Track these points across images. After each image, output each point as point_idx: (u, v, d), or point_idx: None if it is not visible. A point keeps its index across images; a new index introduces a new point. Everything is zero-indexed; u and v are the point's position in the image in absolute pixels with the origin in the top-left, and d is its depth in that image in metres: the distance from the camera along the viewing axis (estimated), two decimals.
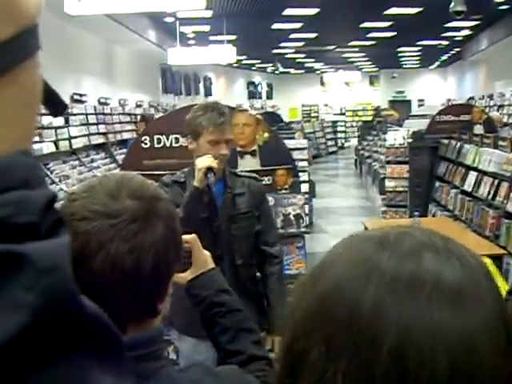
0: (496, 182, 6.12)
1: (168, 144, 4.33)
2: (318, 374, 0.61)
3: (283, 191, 4.59)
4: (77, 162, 11.05)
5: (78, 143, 11.20)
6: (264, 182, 3.96)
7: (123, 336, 1.03)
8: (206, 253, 1.53)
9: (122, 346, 0.42)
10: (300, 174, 5.96)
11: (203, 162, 2.60)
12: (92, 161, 11.77)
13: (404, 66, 30.76)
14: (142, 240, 1.03)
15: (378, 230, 0.68)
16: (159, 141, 4.35)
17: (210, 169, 2.59)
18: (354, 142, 24.76)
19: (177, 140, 4.30)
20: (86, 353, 0.38)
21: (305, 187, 7.61)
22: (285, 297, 2.86)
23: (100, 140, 12.57)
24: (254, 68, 29.27)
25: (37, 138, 9.13)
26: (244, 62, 24.44)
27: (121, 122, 14.23)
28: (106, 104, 13.77)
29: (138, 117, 15.42)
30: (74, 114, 11.35)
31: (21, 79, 0.37)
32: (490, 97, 19.55)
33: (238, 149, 4.40)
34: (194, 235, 1.51)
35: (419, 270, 0.60)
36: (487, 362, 0.59)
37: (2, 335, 0.33)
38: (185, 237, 1.44)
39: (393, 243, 0.63)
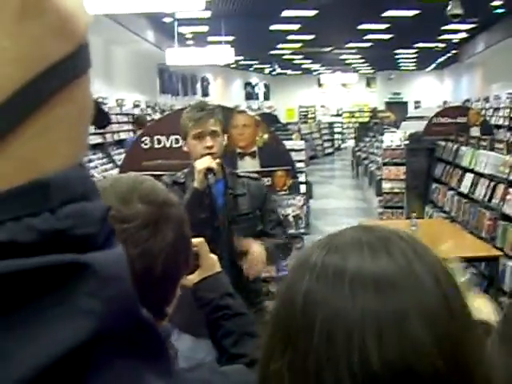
0: (492, 183, 6.15)
1: (168, 145, 4.35)
2: (267, 370, 0.67)
3: (282, 192, 4.61)
4: None
5: None
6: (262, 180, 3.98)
7: None
8: (214, 256, 1.54)
9: (169, 354, 0.44)
10: (297, 175, 5.98)
11: (202, 163, 2.63)
12: (89, 161, 11.76)
13: (401, 68, 30.82)
14: (153, 245, 1.04)
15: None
16: (159, 141, 4.37)
17: (209, 169, 2.62)
18: (350, 143, 24.78)
19: (177, 141, 4.31)
20: (143, 358, 0.40)
21: (302, 188, 7.62)
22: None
23: (97, 140, 12.56)
24: (251, 69, 29.29)
25: None
26: (241, 62, 24.46)
27: (118, 122, 14.22)
28: (104, 104, 13.76)
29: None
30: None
31: (75, 95, 0.39)
32: (486, 99, 19.61)
33: (238, 150, 4.42)
34: (201, 239, 1.51)
35: (343, 263, 0.66)
36: (418, 335, 0.62)
37: (72, 340, 0.34)
38: (193, 240, 1.48)
39: (328, 242, 0.71)
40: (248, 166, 4.37)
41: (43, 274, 0.35)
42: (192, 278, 1.49)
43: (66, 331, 0.35)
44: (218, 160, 2.70)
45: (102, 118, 0.47)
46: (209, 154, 2.68)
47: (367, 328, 0.62)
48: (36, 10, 0.37)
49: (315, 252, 0.69)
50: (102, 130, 12.82)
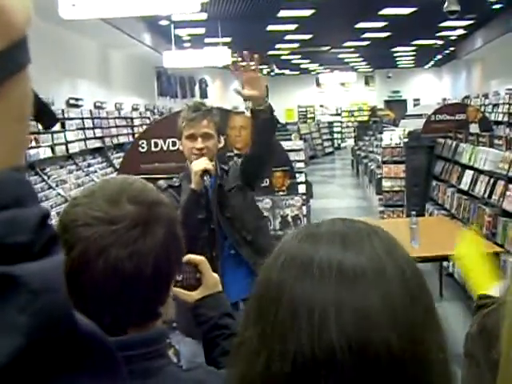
0: (492, 180, 6.14)
1: (165, 148, 4.34)
2: (242, 337, 0.74)
3: (281, 193, 4.60)
4: (74, 167, 11.04)
5: (74, 148, 11.20)
6: (262, 185, 3.97)
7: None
8: (215, 276, 1.56)
9: (118, 361, 0.42)
10: (297, 175, 5.97)
11: (199, 165, 2.63)
12: (89, 165, 11.77)
13: (399, 66, 30.80)
14: (142, 246, 1.04)
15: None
16: (156, 145, 4.36)
17: (206, 171, 2.62)
18: (350, 142, 24.78)
19: (174, 143, 4.31)
20: (82, 371, 0.38)
21: (302, 188, 7.62)
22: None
23: (96, 144, 12.57)
24: None
25: (33, 143, 9.12)
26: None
27: (117, 126, 14.22)
28: (102, 108, 13.76)
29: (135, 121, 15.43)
30: (71, 119, 11.34)
31: (11, 93, 0.37)
32: (485, 96, 19.59)
33: (235, 151, 4.41)
34: (203, 258, 1.54)
35: (312, 253, 0.71)
36: (375, 324, 0.67)
37: (0, 357, 0.33)
38: (195, 258, 1.50)
39: (305, 232, 0.77)
40: None
41: None
42: (194, 295, 1.51)
43: None
44: (211, 161, 2.70)
45: (48, 118, 0.44)
46: (199, 154, 2.69)
47: (328, 305, 0.67)
48: None
49: (292, 240, 0.76)
50: (100, 134, 12.83)
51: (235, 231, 2.78)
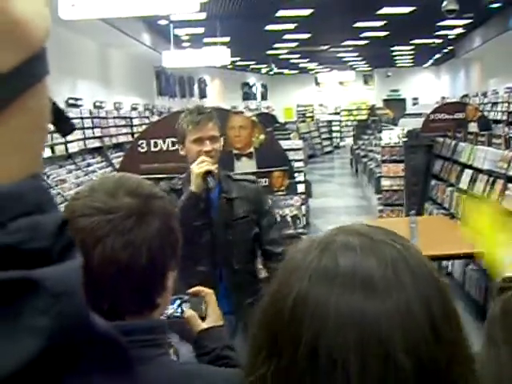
0: (491, 179, 6.14)
1: (165, 148, 4.35)
2: (253, 373, 0.67)
3: (280, 193, 4.61)
4: (73, 167, 11.04)
5: (73, 147, 11.19)
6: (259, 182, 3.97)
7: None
8: (218, 310, 1.60)
9: (131, 362, 0.43)
10: (296, 174, 5.98)
11: (200, 166, 2.61)
12: (88, 165, 11.77)
13: (398, 65, 30.81)
14: (136, 235, 1.09)
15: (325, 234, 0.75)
16: (156, 145, 4.36)
17: (208, 172, 2.60)
18: (349, 141, 24.77)
19: (173, 144, 4.31)
20: (97, 371, 0.39)
21: (301, 187, 7.64)
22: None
23: (96, 144, 12.56)
24: (248, 69, 29.29)
25: None
26: (238, 63, 24.46)
27: (116, 126, 14.21)
28: (101, 108, 13.76)
29: (134, 120, 15.44)
30: (70, 118, 11.31)
31: (30, 105, 0.38)
32: (484, 94, 19.59)
33: (235, 151, 4.42)
34: (210, 291, 1.59)
35: (333, 265, 0.66)
36: (398, 348, 0.61)
37: (21, 359, 0.34)
38: (203, 290, 1.57)
39: (321, 248, 0.69)
40: (245, 167, 4.36)
41: None
42: (198, 325, 1.55)
43: (12, 350, 0.34)
44: (215, 164, 2.69)
45: (65, 126, 0.45)
46: (207, 157, 2.67)
47: (350, 350, 0.61)
48: None
49: (307, 256, 0.68)
50: (100, 134, 12.83)
51: (227, 254, 2.77)
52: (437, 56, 26.30)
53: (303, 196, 5.51)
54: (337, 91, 32.71)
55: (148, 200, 1.12)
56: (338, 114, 31.98)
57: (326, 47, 21.45)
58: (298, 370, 0.62)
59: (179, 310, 1.53)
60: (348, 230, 0.73)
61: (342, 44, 20.85)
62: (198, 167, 2.61)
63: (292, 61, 26.43)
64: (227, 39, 16.57)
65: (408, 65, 30.68)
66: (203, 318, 1.54)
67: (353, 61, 27.67)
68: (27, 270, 0.35)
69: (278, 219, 4.52)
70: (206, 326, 1.54)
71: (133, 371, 0.43)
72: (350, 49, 22.55)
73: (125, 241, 1.07)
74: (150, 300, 1.14)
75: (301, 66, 29.05)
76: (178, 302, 1.54)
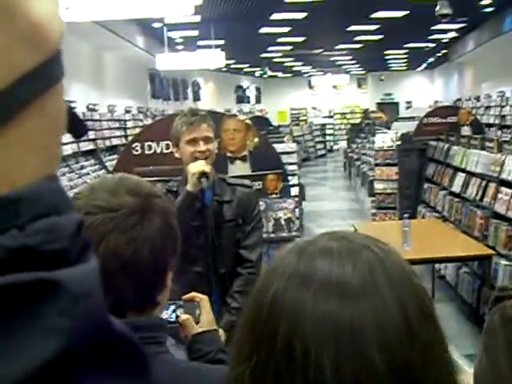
0: (484, 182, 6.17)
1: (159, 151, 4.35)
2: (233, 372, 0.69)
3: (273, 196, 4.61)
4: (66, 169, 11.02)
5: (67, 150, 11.16)
6: (254, 187, 3.97)
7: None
8: (212, 315, 1.63)
9: (148, 364, 0.43)
10: (290, 177, 5.99)
11: (196, 166, 2.64)
12: (82, 167, 11.74)
13: (391, 69, 30.89)
14: (139, 232, 1.11)
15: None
16: (150, 147, 4.36)
17: (203, 173, 2.63)
18: (342, 144, 24.77)
19: (167, 146, 4.31)
20: (115, 372, 0.39)
21: (295, 191, 7.65)
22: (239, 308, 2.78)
23: (89, 146, 12.54)
24: (242, 72, 29.30)
25: None
26: (232, 66, 24.47)
27: (110, 128, 14.20)
28: (95, 110, 13.74)
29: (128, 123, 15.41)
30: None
31: (47, 107, 0.38)
32: (477, 98, 19.67)
33: (229, 154, 4.42)
34: (205, 296, 1.63)
35: (311, 271, 0.67)
36: (375, 353, 0.62)
37: (41, 358, 0.34)
38: (198, 295, 1.60)
39: (301, 249, 0.71)
40: (239, 170, 4.37)
41: (11, 293, 0.34)
42: (193, 329, 1.58)
43: (32, 351, 0.34)
44: (209, 163, 2.70)
45: (78, 128, 0.45)
46: (203, 159, 2.68)
47: (324, 345, 0.62)
48: (3, 20, 0.35)
49: (287, 258, 0.70)
50: (93, 136, 12.81)
51: (215, 257, 2.77)
52: (430, 60, 26.39)
53: (297, 199, 5.51)
54: (330, 95, 32.75)
55: (148, 198, 1.15)
56: (332, 117, 32.01)
57: (319, 51, 21.49)
58: (275, 366, 0.64)
59: (174, 315, 1.55)
60: (330, 234, 0.74)
61: (336, 47, 20.89)
62: (194, 167, 2.64)
63: (286, 64, 26.47)
64: (221, 42, 16.58)
65: (401, 68, 30.77)
66: (197, 323, 1.57)
67: (346, 64, 27.73)
68: (47, 272, 0.35)
69: (272, 223, 4.52)
70: (200, 330, 1.56)
71: (149, 373, 0.43)
72: (343, 52, 22.60)
73: (128, 237, 1.10)
74: (152, 297, 1.16)
75: (295, 69, 29.09)
76: (173, 307, 1.56)
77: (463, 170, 6.95)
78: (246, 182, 3.01)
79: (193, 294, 1.61)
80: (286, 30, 16.16)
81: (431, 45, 20.82)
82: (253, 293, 0.71)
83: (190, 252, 2.62)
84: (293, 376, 0.62)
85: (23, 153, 0.37)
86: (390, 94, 32.83)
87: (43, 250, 0.36)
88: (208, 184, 2.64)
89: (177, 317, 1.55)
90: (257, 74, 30.40)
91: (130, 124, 15.61)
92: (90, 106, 13.51)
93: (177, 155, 2.80)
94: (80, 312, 0.36)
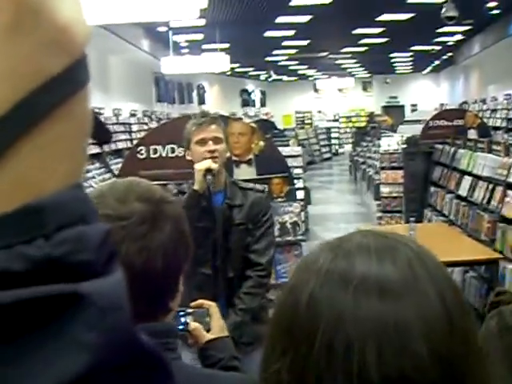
0: (491, 186, 6.13)
1: (164, 154, 4.33)
2: (267, 371, 0.68)
3: (279, 199, 4.59)
4: None
5: None
6: (266, 191, 3.96)
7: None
8: (222, 322, 1.61)
9: (172, 378, 0.42)
10: (295, 181, 5.96)
11: (202, 164, 2.66)
12: (87, 171, 11.76)
13: (397, 72, 30.88)
14: (151, 240, 1.09)
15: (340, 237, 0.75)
16: (155, 151, 4.35)
17: (209, 170, 2.64)
18: (348, 148, 24.80)
19: (173, 150, 4.30)
20: None
21: (300, 194, 7.63)
22: (249, 310, 2.78)
23: (95, 150, 12.55)
24: (247, 76, 29.34)
25: None
26: (237, 69, 24.50)
27: (115, 132, 14.22)
28: (100, 114, 13.77)
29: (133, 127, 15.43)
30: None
31: (73, 111, 0.37)
32: (483, 101, 19.63)
33: (234, 158, 4.40)
34: (213, 303, 1.61)
35: (349, 268, 0.66)
36: (421, 346, 0.62)
37: (69, 373, 0.33)
38: (206, 302, 1.59)
39: (335, 246, 0.70)
40: (244, 173, 4.35)
41: (37, 306, 0.33)
42: (204, 336, 1.57)
43: (60, 365, 0.33)
44: (218, 163, 2.70)
45: (102, 134, 0.44)
46: (211, 158, 2.69)
47: (367, 340, 0.62)
48: (30, 23, 0.35)
49: (322, 255, 0.69)
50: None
51: (224, 260, 2.78)
52: (436, 63, 26.36)
53: (302, 203, 5.49)
54: (336, 98, 32.76)
55: (159, 205, 1.13)
56: (337, 120, 32.02)
57: (324, 54, 21.50)
58: (315, 364, 0.63)
59: (183, 322, 1.53)
60: (363, 231, 0.75)
61: (341, 51, 20.90)
62: (200, 164, 2.66)
63: (291, 67, 26.49)
64: (226, 45, 16.60)
65: (407, 71, 30.76)
66: (208, 331, 1.55)
67: (352, 67, 27.73)
68: (73, 284, 0.34)
69: (278, 226, 4.50)
70: (211, 337, 1.55)
71: None
72: (348, 55, 22.60)
73: (139, 246, 1.07)
74: (164, 304, 1.15)
75: (299, 72, 29.12)
76: (182, 314, 1.54)
77: (470, 174, 6.91)
78: (258, 186, 3.01)
79: (201, 301, 1.60)
80: (290, 33, 16.17)
81: (437, 47, 20.80)
82: (285, 289, 0.70)
83: (198, 253, 2.63)
84: (334, 373, 0.62)
85: (49, 159, 0.36)
86: (395, 97, 32.81)
87: (69, 261, 0.35)
88: (212, 180, 2.65)
89: (186, 324, 1.54)
90: (262, 77, 30.44)
91: (135, 128, 15.64)
92: (95, 110, 13.47)
93: (188, 157, 2.82)
94: (108, 326, 0.35)
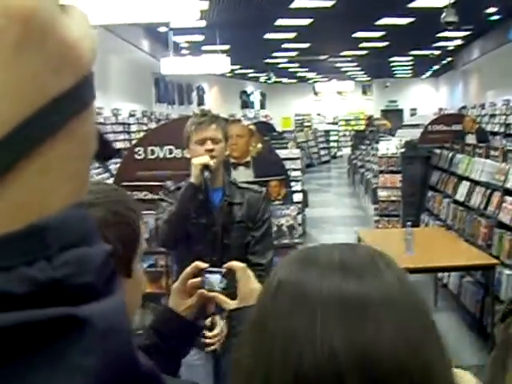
0: (488, 191, 6.14)
1: (162, 155, 4.34)
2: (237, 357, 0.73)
3: (276, 202, 4.59)
4: None
5: None
6: (264, 192, 3.97)
7: None
8: (255, 287, 1.44)
9: None
10: (293, 183, 5.97)
11: (199, 159, 2.68)
12: None
13: (396, 76, 30.92)
14: None
15: None
16: (153, 152, 4.35)
17: (206, 166, 2.66)
18: (346, 151, 24.79)
19: (170, 151, 4.30)
20: None
21: (298, 197, 7.63)
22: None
23: None
24: (247, 78, 29.35)
25: None
26: (237, 71, 24.51)
27: (114, 132, 14.22)
28: (99, 114, 13.77)
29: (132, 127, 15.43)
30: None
31: (78, 131, 0.36)
32: (482, 106, 19.65)
33: (232, 160, 4.40)
34: (243, 265, 1.47)
35: (315, 254, 0.73)
36: (383, 319, 0.66)
37: None
38: (235, 264, 1.46)
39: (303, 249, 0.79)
40: (242, 176, 4.35)
41: (37, 329, 0.32)
42: (231, 304, 1.44)
43: None
44: (215, 160, 2.72)
45: (107, 151, 0.44)
46: (210, 158, 2.71)
47: (331, 306, 0.66)
48: (37, 41, 0.34)
49: (293, 251, 0.80)
50: None
51: (222, 258, 2.79)
52: (435, 67, 26.40)
53: (300, 205, 5.49)
54: (335, 101, 32.78)
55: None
56: (336, 123, 32.02)
57: (325, 57, 21.52)
58: (282, 338, 0.67)
59: (221, 283, 1.44)
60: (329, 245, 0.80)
61: (341, 54, 20.92)
62: (197, 159, 2.68)
63: (291, 70, 26.51)
64: (227, 47, 16.61)
65: (407, 76, 30.79)
66: (233, 298, 1.44)
67: (352, 71, 27.76)
68: (73, 307, 0.33)
69: (274, 229, 4.50)
70: (235, 306, 1.43)
71: None
72: (348, 59, 22.63)
73: None
74: None
75: (299, 75, 29.14)
76: (217, 275, 1.45)
77: (467, 179, 6.92)
78: (256, 187, 3.02)
79: (231, 262, 1.47)
80: (291, 35, 16.19)
81: (436, 52, 20.83)
82: (261, 289, 0.76)
83: (197, 249, 2.67)
84: (299, 339, 0.65)
85: (53, 179, 0.36)
86: (394, 101, 32.84)
87: (71, 284, 0.34)
88: (209, 176, 2.67)
89: (224, 289, 1.43)
90: (262, 79, 30.45)
91: (134, 128, 15.64)
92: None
93: (187, 155, 2.85)
94: (108, 349, 0.34)
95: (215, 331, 2.24)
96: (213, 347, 2.32)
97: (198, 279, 1.45)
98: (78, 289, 0.34)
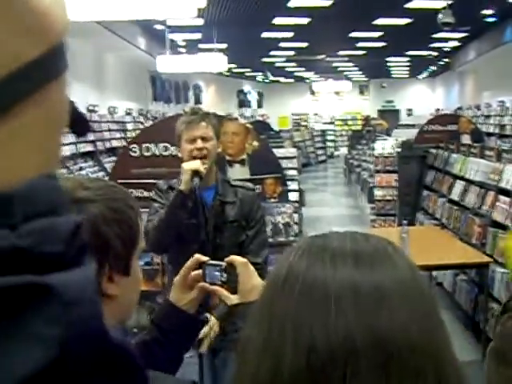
0: (482, 191, 6.16)
1: (157, 153, 4.34)
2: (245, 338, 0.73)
3: (272, 200, 4.60)
4: (65, 171, 11.01)
5: (65, 151, 11.16)
6: (257, 190, 3.96)
7: None
8: (256, 283, 1.40)
9: (146, 378, 0.40)
10: (290, 182, 5.96)
11: (190, 164, 2.64)
12: (80, 169, 11.74)
13: (393, 76, 30.93)
14: None
15: None
16: (148, 149, 4.35)
17: (196, 172, 2.62)
18: (343, 151, 24.82)
19: (165, 148, 4.31)
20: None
21: (295, 196, 7.63)
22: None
23: (88, 148, 12.53)
24: (244, 76, 29.33)
25: None
26: (234, 70, 24.49)
27: (110, 130, 14.19)
28: (95, 111, 13.74)
29: (128, 125, 15.40)
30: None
31: (49, 100, 0.36)
32: (478, 107, 19.69)
33: (227, 158, 4.41)
34: (244, 260, 1.44)
35: (325, 243, 0.73)
36: (394, 316, 0.66)
37: (26, 368, 0.32)
38: (236, 259, 1.43)
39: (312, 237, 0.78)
40: (237, 173, 4.35)
41: None
42: (232, 299, 1.41)
43: (18, 359, 0.32)
44: (206, 165, 2.69)
45: (80, 126, 0.43)
46: (200, 157, 2.68)
47: (344, 293, 0.66)
48: (6, 8, 0.34)
49: (301, 239, 0.76)
50: (93, 138, 12.81)
51: (214, 257, 2.77)
52: (432, 68, 26.42)
53: (296, 204, 5.49)
54: (332, 101, 32.79)
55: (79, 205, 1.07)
56: (333, 123, 32.04)
57: (322, 56, 21.51)
58: (295, 313, 0.67)
59: (222, 277, 1.42)
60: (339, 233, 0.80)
61: (339, 54, 20.92)
62: (188, 165, 2.64)
63: (288, 69, 26.49)
64: (224, 46, 16.59)
65: (403, 76, 30.81)
66: (234, 293, 1.42)
67: (349, 71, 27.76)
68: (39, 275, 0.33)
69: (270, 227, 4.50)
70: (236, 302, 1.41)
71: None
72: (346, 59, 22.63)
73: None
74: None
75: (297, 74, 29.12)
76: (218, 269, 1.43)
77: (462, 178, 6.94)
78: (249, 184, 3.00)
79: (233, 257, 1.44)
80: (288, 35, 16.18)
81: (433, 53, 20.85)
82: (268, 279, 0.74)
83: (190, 249, 2.63)
84: (311, 323, 0.65)
85: (20, 147, 0.35)
86: (391, 102, 32.86)
87: (36, 253, 0.34)
88: (198, 183, 2.63)
89: (224, 278, 1.40)
90: (259, 78, 30.43)
91: (130, 126, 15.61)
92: (90, 108, 13.50)
93: (179, 154, 2.83)
94: (72, 319, 0.33)
95: (205, 329, 2.21)
96: (204, 347, 2.30)
97: (199, 271, 1.44)
98: (44, 257, 0.34)
